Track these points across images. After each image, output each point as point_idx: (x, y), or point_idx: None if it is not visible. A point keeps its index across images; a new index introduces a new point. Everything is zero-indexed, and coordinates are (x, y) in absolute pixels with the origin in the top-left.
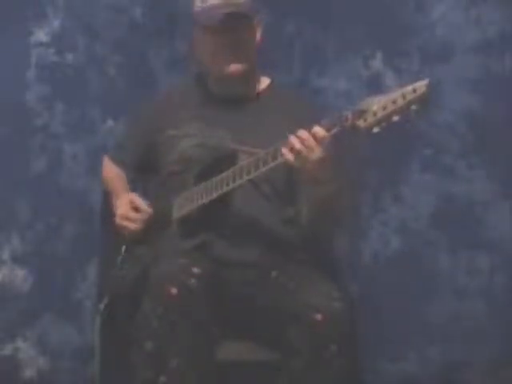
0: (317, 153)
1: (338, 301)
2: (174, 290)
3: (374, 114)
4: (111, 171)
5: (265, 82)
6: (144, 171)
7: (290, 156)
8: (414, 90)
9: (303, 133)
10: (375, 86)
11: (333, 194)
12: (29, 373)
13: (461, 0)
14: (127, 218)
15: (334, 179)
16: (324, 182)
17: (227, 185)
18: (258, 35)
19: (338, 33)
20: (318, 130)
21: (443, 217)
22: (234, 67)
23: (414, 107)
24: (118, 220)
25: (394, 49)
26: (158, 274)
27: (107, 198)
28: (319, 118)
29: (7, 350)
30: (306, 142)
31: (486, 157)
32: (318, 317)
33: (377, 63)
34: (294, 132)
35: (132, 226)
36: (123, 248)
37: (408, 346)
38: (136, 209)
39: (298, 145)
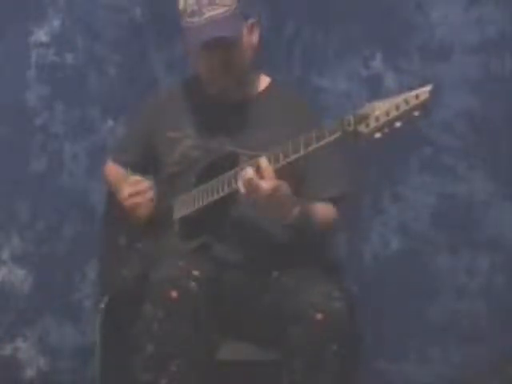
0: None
1: (338, 301)
2: (174, 294)
3: (377, 119)
4: (114, 171)
5: (265, 82)
6: (144, 172)
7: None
8: (417, 96)
9: (248, 173)
10: (375, 86)
11: (300, 218)
12: (29, 373)
13: (461, 0)
14: (133, 194)
15: (293, 207)
16: (286, 213)
17: (228, 186)
18: (256, 37)
19: (338, 33)
20: (262, 162)
21: (443, 217)
22: (223, 83)
23: (416, 113)
24: (126, 202)
25: (394, 49)
26: (158, 277)
27: (109, 198)
28: (318, 119)
29: (7, 350)
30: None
31: (486, 157)
32: (319, 316)
33: (377, 63)
34: (292, 133)
35: (140, 199)
36: (123, 248)
37: (408, 346)
38: (138, 183)
39: (244, 189)
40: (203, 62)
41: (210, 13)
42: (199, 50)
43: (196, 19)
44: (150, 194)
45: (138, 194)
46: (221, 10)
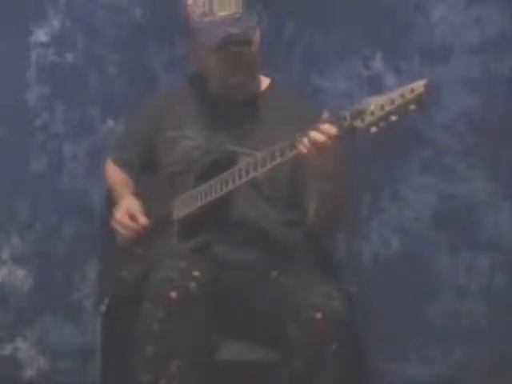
0: (329, 149)
1: (337, 300)
2: (173, 294)
3: (372, 113)
4: (114, 174)
5: (265, 82)
6: (144, 171)
7: (305, 150)
8: (412, 90)
9: (324, 128)
10: (375, 86)
11: (339, 188)
12: (29, 373)
13: (461, 0)
14: (121, 224)
15: (339, 174)
16: (331, 177)
17: (227, 186)
18: (257, 41)
19: (338, 33)
20: (329, 127)
21: (443, 217)
22: (236, 81)
23: (412, 107)
24: (113, 222)
25: (393, 49)
26: (158, 278)
27: (108, 197)
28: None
29: (7, 350)
30: (319, 139)
31: (486, 157)
32: (318, 316)
33: (377, 63)
34: (294, 132)
35: (123, 232)
36: (124, 248)
37: (408, 346)
38: (132, 217)
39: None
40: (212, 60)
41: (223, 13)
42: (213, 48)
43: (209, 19)
44: (132, 234)
45: (122, 225)
46: (233, 11)
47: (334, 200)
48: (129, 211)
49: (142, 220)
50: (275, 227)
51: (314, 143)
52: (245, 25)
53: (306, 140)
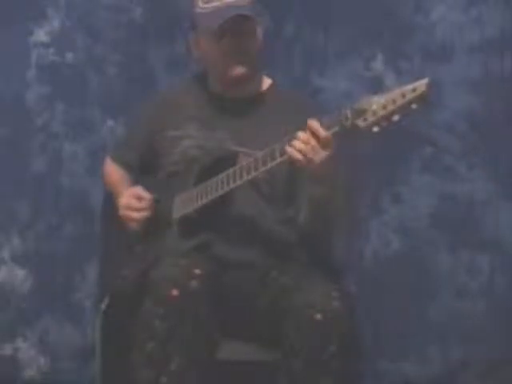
0: (321, 153)
1: (337, 300)
2: (175, 292)
3: (374, 113)
4: (113, 172)
5: (266, 83)
6: (144, 171)
7: (296, 155)
8: (414, 89)
9: (306, 134)
10: (376, 86)
11: (331, 192)
12: (29, 373)
13: (461, 0)
14: (130, 208)
15: (333, 178)
16: (324, 180)
17: (227, 185)
18: (260, 36)
19: (338, 33)
20: (320, 130)
21: (443, 217)
22: (238, 70)
23: (413, 106)
24: (121, 211)
25: (394, 49)
26: (158, 275)
27: (108, 197)
28: (321, 118)
29: (7, 350)
30: (309, 142)
31: (486, 157)
32: (318, 316)
33: (377, 64)
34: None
35: (135, 215)
36: (124, 248)
37: (408, 346)
38: (139, 199)
39: (302, 145)
40: (215, 47)
41: None
42: (214, 32)
43: (214, 4)
44: (144, 213)
45: (132, 209)
46: None
47: (326, 204)
48: (133, 195)
49: (148, 196)
50: (274, 226)
51: (300, 147)
52: (251, 9)
53: (296, 141)
